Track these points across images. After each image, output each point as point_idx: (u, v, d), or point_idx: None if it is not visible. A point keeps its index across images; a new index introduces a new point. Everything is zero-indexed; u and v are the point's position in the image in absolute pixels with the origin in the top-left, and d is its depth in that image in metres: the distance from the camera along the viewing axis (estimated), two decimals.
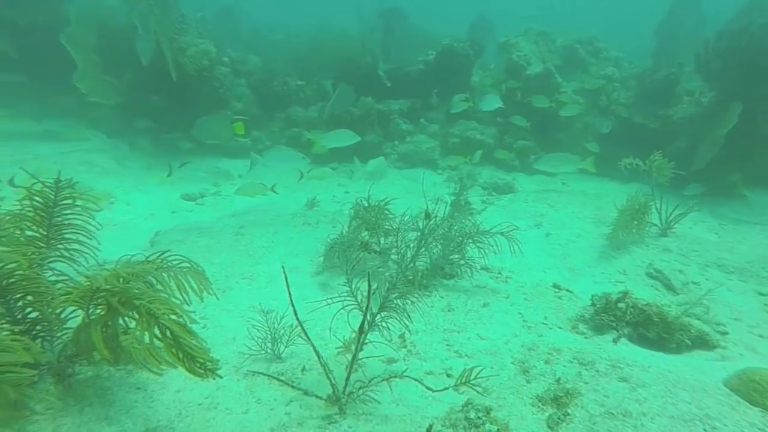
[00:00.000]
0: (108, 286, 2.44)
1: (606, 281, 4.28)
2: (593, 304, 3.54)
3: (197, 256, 3.64)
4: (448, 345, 3.21)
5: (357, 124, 8.61)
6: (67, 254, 2.88)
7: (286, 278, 2.39)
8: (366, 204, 4.62)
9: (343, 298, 2.60)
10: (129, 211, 5.96)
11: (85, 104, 8.88)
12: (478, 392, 2.47)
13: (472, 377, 2.31)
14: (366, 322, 2.40)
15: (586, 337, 3.30)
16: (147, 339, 2.26)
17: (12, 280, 2.40)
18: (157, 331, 2.27)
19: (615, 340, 3.25)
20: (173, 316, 2.21)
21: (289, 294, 2.36)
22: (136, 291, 2.35)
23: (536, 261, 4.69)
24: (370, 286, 2.13)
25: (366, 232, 4.41)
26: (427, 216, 3.48)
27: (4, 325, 2.31)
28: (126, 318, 2.46)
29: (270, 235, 4.77)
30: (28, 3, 9.10)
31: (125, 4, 8.78)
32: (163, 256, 2.55)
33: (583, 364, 2.85)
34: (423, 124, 9.01)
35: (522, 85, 8.74)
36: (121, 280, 2.43)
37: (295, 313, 2.44)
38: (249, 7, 14.70)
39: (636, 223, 5.05)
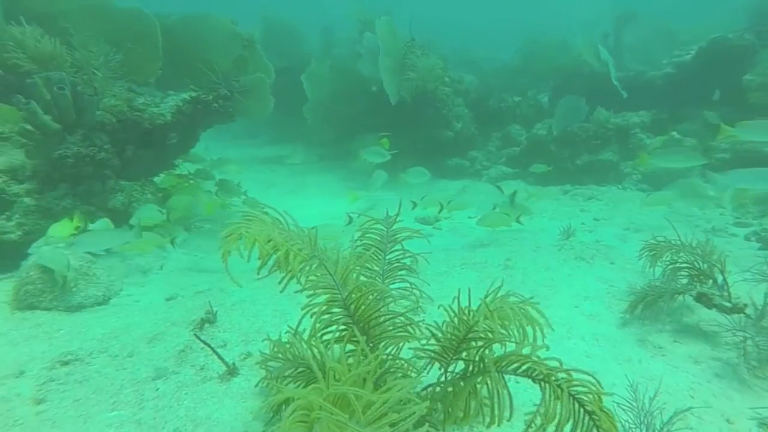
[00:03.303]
0: (480, 334, 2.15)
1: None
2: None
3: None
4: None
5: (591, 140, 7.65)
6: (397, 293, 2.72)
7: None
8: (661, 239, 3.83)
9: None
10: None
11: (311, 131, 9.75)
12: None
13: None
14: None
15: None
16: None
17: (370, 323, 2.28)
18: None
19: None
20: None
21: None
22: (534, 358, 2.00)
23: None
24: None
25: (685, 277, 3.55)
26: None
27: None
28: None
29: (544, 271, 4.21)
30: (283, 50, 10.46)
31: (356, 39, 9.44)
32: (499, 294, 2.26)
33: None
34: (676, 138, 7.56)
35: None
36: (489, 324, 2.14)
37: None
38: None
39: None
